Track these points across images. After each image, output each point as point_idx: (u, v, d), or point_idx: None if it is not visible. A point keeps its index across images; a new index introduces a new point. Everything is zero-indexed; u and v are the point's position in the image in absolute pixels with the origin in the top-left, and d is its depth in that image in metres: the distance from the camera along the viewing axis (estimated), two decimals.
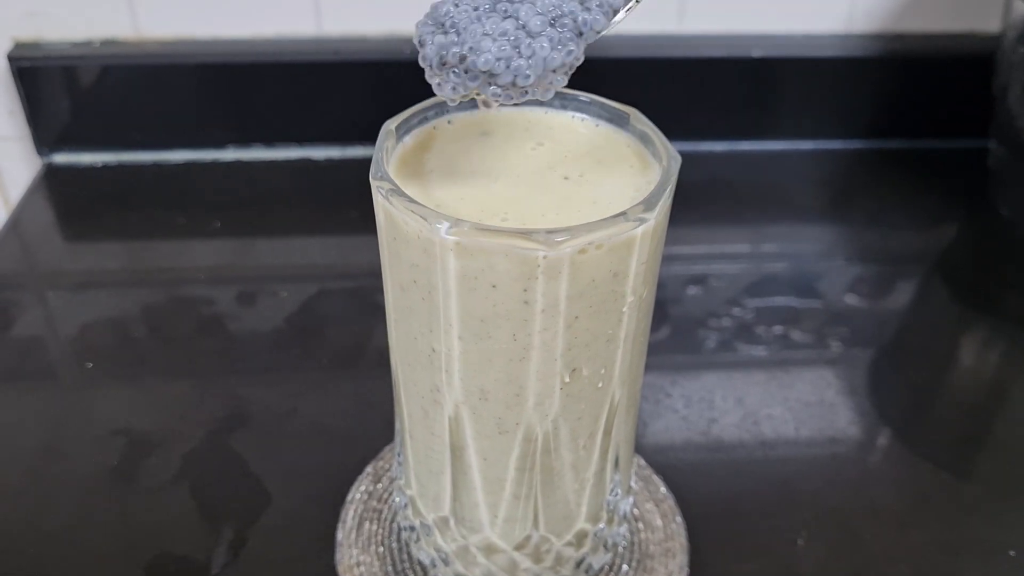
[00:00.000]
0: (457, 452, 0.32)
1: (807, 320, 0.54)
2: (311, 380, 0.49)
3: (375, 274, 0.31)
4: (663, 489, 0.43)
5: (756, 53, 0.65)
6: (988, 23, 0.67)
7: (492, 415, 0.31)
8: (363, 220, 0.61)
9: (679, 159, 0.30)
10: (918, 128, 0.69)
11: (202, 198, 0.64)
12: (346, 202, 0.63)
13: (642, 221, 0.28)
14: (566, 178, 0.31)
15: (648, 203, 0.28)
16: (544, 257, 0.27)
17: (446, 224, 0.27)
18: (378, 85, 0.64)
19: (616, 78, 0.65)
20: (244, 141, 0.66)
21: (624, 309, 0.30)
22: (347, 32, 0.64)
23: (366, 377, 0.49)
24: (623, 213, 0.27)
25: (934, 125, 0.69)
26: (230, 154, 0.66)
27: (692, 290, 0.56)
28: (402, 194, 0.28)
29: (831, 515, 0.43)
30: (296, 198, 0.64)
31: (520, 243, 0.26)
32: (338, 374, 0.50)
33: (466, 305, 0.28)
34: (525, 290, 0.27)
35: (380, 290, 0.32)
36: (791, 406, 0.48)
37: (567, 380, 0.30)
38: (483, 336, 0.29)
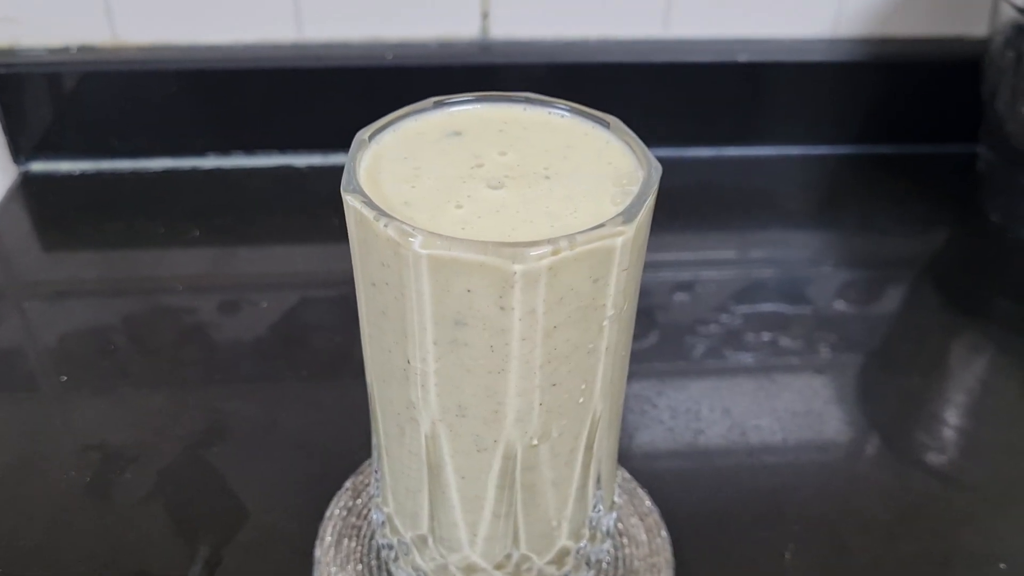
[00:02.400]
0: (434, 470, 0.32)
1: (795, 327, 0.54)
2: (291, 392, 0.48)
3: None
4: (648, 503, 0.42)
5: (742, 58, 0.65)
6: (976, 27, 0.67)
7: (470, 432, 0.30)
8: (346, 228, 0.60)
9: (660, 168, 0.29)
10: (906, 133, 0.69)
11: (182, 206, 0.63)
12: (328, 210, 0.62)
13: (621, 233, 0.27)
14: (547, 177, 0.30)
15: (628, 214, 0.27)
16: (519, 272, 0.26)
17: (419, 238, 0.26)
18: (360, 91, 0.63)
19: (600, 84, 0.64)
20: (224, 148, 0.65)
21: (605, 321, 0.29)
22: (329, 38, 0.64)
23: (347, 388, 0.48)
24: (602, 225, 0.27)
25: (922, 130, 0.69)
26: (210, 162, 0.66)
27: (679, 296, 0.55)
28: (373, 207, 0.27)
29: (819, 527, 0.42)
30: (277, 206, 0.63)
31: (494, 259, 0.26)
32: (319, 386, 0.49)
33: (440, 306, 0.27)
34: (501, 297, 0.27)
35: None
36: (779, 416, 0.48)
37: (547, 394, 0.29)
38: (459, 343, 0.28)
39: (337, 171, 0.30)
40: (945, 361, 0.54)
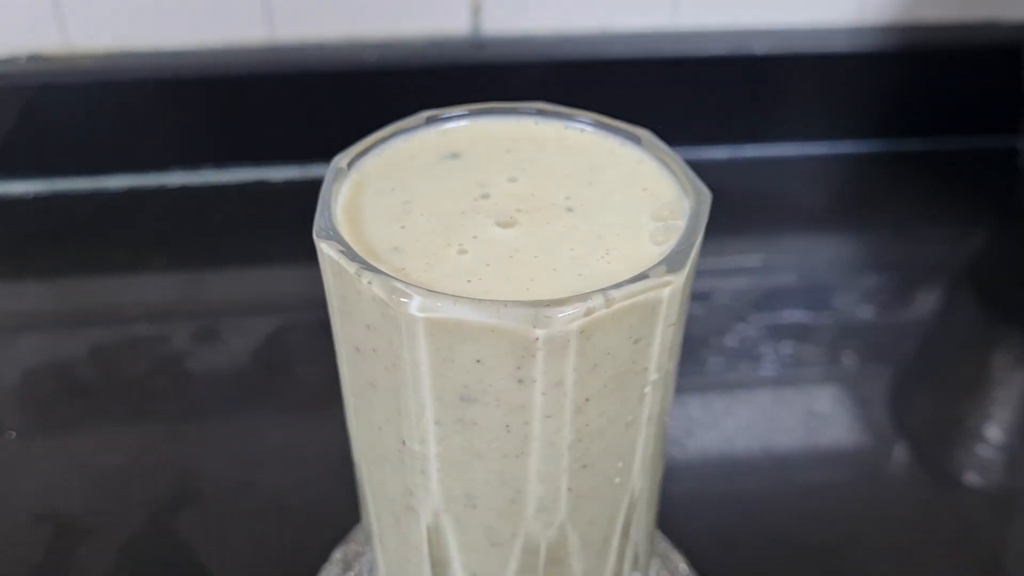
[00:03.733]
0: (439, 567, 0.26)
1: (821, 339, 0.49)
2: (269, 443, 0.43)
3: None
4: (683, 567, 0.37)
5: (759, 50, 0.60)
6: (1012, 10, 0.62)
7: (481, 524, 0.25)
8: None
9: (709, 195, 0.24)
10: (938, 127, 0.64)
11: (146, 229, 0.57)
12: (308, 227, 0.56)
13: (668, 284, 0.21)
14: (569, 209, 0.24)
15: (675, 260, 0.22)
16: (543, 337, 0.20)
17: (415, 298, 0.20)
18: (341, 96, 0.58)
19: (604, 81, 0.59)
20: (192, 163, 0.60)
21: (647, 388, 0.23)
22: (304, 37, 0.58)
23: (332, 436, 0.42)
24: (645, 275, 0.21)
25: (956, 123, 0.64)
26: (176, 178, 0.60)
27: (695, 309, 0.50)
28: (356, 258, 0.21)
29: None
30: (252, 225, 0.58)
31: (510, 323, 0.20)
32: (300, 433, 0.43)
33: (442, 379, 0.22)
34: (519, 368, 0.21)
35: None
36: (823, 453, 0.42)
37: (576, 478, 0.24)
38: (466, 422, 0.22)
39: (316, 184, 0.24)
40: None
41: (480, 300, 0.20)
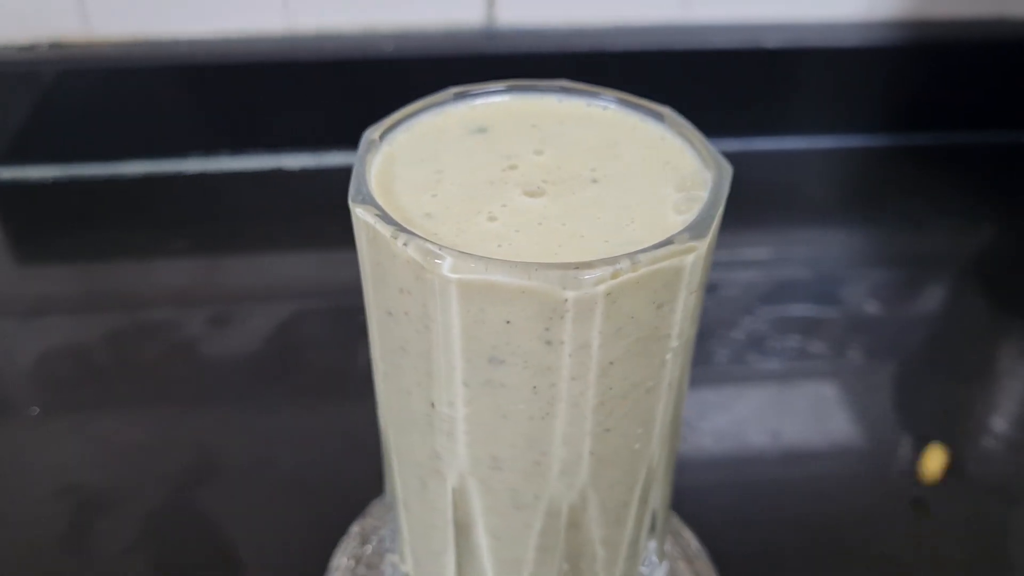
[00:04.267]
0: (463, 530, 0.27)
1: (829, 332, 0.49)
2: (287, 421, 0.44)
3: (358, 293, 0.25)
4: (695, 544, 0.37)
5: (770, 43, 0.60)
6: (1021, 7, 0.62)
7: (506, 487, 0.25)
8: (344, 234, 0.55)
9: (730, 169, 0.24)
10: (948, 121, 0.65)
11: (164, 214, 0.58)
12: (323, 214, 0.56)
13: (692, 250, 0.22)
14: (595, 181, 0.25)
15: (698, 227, 0.22)
16: (571, 299, 0.21)
17: (447, 259, 0.21)
18: (357, 85, 0.58)
19: (615, 73, 0.60)
20: (209, 150, 0.60)
21: (668, 354, 0.24)
22: (320, 27, 0.59)
23: (348, 415, 0.43)
24: (669, 241, 0.22)
25: (966, 117, 0.65)
26: (194, 165, 0.61)
27: (706, 303, 0.51)
28: (391, 222, 0.22)
29: (886, 567, 0.37)
30: (268, 211, 0.58)
31: (541, 284, 0.21)
32: (318, 412, 0.44)
33: (472, 341, 0.22)
34: (548, 329, 0.22)
35: (363, 311, 0.26)
36: (832, 437, 0.43)
37: (599, 442, 0.24)
38: (494, 384, 0.23)
39: (332, 172, 0.25)
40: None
41: (512, 262, 0.21)
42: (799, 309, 0.51)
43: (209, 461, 0.41)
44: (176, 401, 0.45)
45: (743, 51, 0.60)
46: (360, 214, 0.23)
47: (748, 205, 0.59)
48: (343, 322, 0.49)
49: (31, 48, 0.57)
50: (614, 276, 0.21)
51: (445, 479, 0.26)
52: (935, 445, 0.43)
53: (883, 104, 0.64)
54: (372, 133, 0.25)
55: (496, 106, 0.28)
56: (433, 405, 0.24)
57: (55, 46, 0.58)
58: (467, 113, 0.27)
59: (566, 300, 0.21)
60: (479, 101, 0.28)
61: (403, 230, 0.22)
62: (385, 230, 0.22)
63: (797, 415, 0.45)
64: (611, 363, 0.23)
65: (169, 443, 0.42)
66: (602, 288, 0.21)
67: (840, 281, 0.54)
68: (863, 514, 0.39)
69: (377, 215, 0.22)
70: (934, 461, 0.42)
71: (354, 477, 0.40)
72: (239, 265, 0.55)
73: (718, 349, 0.48)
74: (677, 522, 0.38)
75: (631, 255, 0.21)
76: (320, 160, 0.61)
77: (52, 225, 0.57)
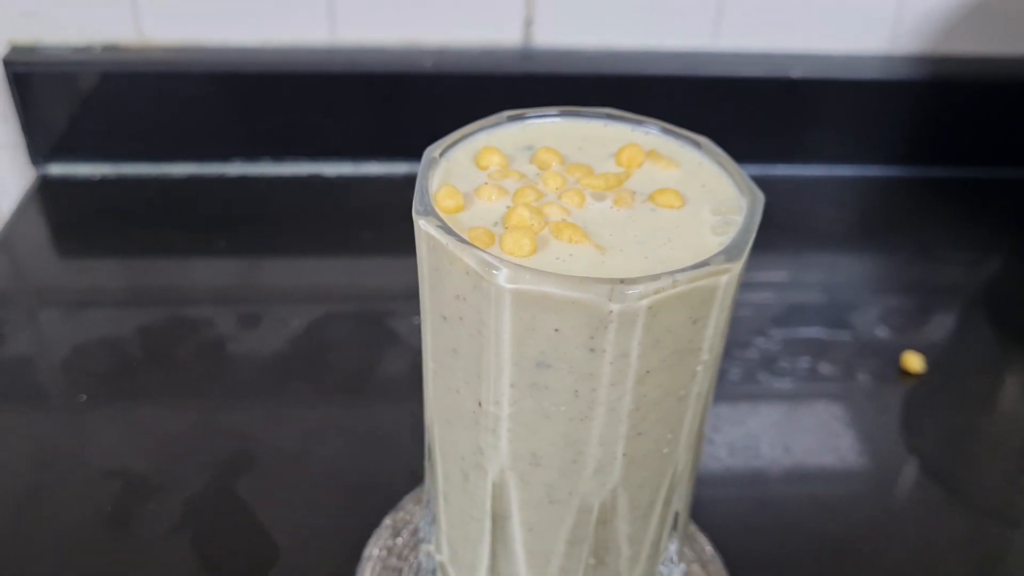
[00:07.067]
0: (499, 521, 0.29)
1: (839, 355, 0.51)
2: (323, 416, 0.45)
3: (389, 297, 0.27)
4: (709, 548, 0.39)
5: (795, 73, 0.62)
6: None
7: (543, 482, 0.27)
8: (377, 240, 0.57)
9: (763, 197, 0.27)
10: (963, 155, 0.66)
11: (206, 214, 0.60)
12: (359, 221, 0.59)
13: (727, 271, 0.24)
14: (636, 200, 0.27)
15: (733, 251, 0.24)
16: (616, 311, 0.23)
17: (504, 271, 0.23)
18: (394, 98, 0.60)
19: (646, 97, 0.62)
20: (251, 155, 0.63)
21: (699, 366, 0.26)
22: (363, 41, 0.61)
23: (382, 413, 0.45)
24: (707, 263, 0.24)
25: (980, 153, 0.66)
26: (236, 168, 0.63)
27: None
28: (452, 233, 0.24)
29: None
30: (305, 216, 0.60)
31: (589, 296, 0.23)
32: (352, 409, 0.46)
33: (522, 346, 0.24)
34: (592, 338, 0.24)
35: (394, 314, 0.28)
36: (842, 454, 0.45)
37: (631, 444, 0.26)
38: (539, 386, 0.25)
39: (368, 181, 0.27)
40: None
41: (563, 275, 0.23)
42: (811, 331, 0.53)
43: (247, 452, 0.43)
44: (215, 395, 0.47)
45: (769, 80, 0.62)
46: (423, 225, 0.25)
47: (766, 229, 0.61)
48: (375, 327, 0.51)
49: (85, 50, 0.60)
50: (656, 292, 0.23)
51: (486, 473, 0.28)
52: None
53: (901, 136, 0.65)
54: (433, 151, 0.28)
55: (546, 128, 0.30)
56: (480, 404, 0.26)
57: (108, 49, 0.60)
58: (519, 134, 0.29)
59: (611, 312, 0.23)
60: (529, 123, 0.30)
61: (464, 242, 0.24)
62: (446, 241, 0.24)
63: (807, 432, 0.46)
64: (648, 372, 0.25)
65: (209, 434, 0.44)
66: (645, 303, 0.23)
67: (852, 306, 0.55)
68: (869, 527, 0.41)
69: (439, 226, 0.24)
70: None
71: (387, 473, 0.42)
72: (276, 267, 0.57)
73: (732, 368, 0.50)
74: (693, 528, 0.40)
75: (672, 273, 0.23)
76: (357, 169, 0.63)
77: (96, 221, 0.59)
